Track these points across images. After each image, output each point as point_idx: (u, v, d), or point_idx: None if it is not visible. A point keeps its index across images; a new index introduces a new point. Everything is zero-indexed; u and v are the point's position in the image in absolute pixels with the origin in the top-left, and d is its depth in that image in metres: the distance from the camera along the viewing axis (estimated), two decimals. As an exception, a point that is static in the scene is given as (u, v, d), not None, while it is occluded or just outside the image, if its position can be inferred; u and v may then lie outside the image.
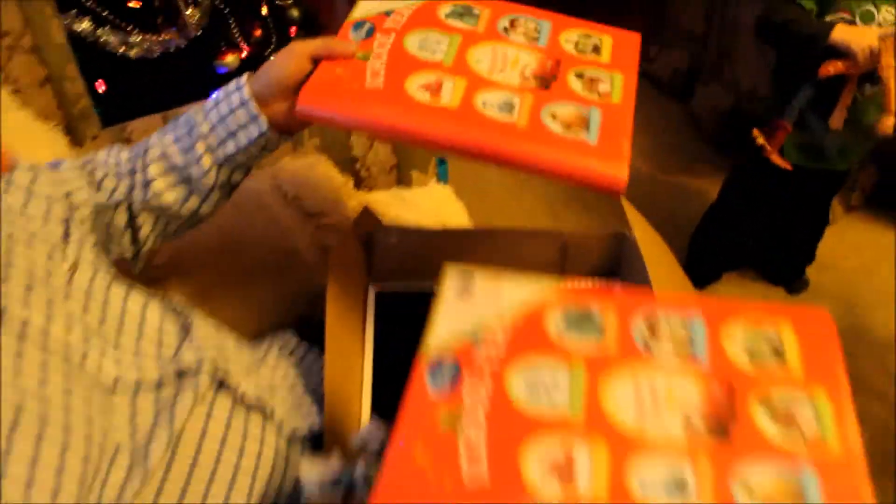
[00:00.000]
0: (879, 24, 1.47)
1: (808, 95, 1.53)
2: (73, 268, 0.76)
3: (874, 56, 1.40)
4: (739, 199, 1.81)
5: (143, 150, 0.89)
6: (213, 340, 0.82)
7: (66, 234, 0.79)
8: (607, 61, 0.93)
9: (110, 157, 0.90)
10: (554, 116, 0.86)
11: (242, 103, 0.86)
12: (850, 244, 2.07)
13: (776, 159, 1.59)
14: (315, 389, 0.91)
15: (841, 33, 1.42)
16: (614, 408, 0.66)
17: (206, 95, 0.96)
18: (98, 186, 0.88)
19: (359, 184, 1.40)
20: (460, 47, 0.95)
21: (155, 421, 0.72)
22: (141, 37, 1.67)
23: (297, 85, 0.85)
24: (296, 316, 1.11)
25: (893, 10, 1.46)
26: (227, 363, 0.80)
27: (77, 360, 0.69)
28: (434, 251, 1.00)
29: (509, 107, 0.88)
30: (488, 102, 0.87)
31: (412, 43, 0.95)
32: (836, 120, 1.52)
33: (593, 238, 1.12)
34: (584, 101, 0.88)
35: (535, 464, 0.62)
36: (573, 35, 0.97)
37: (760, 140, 1.59)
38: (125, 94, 1.61)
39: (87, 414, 0.67)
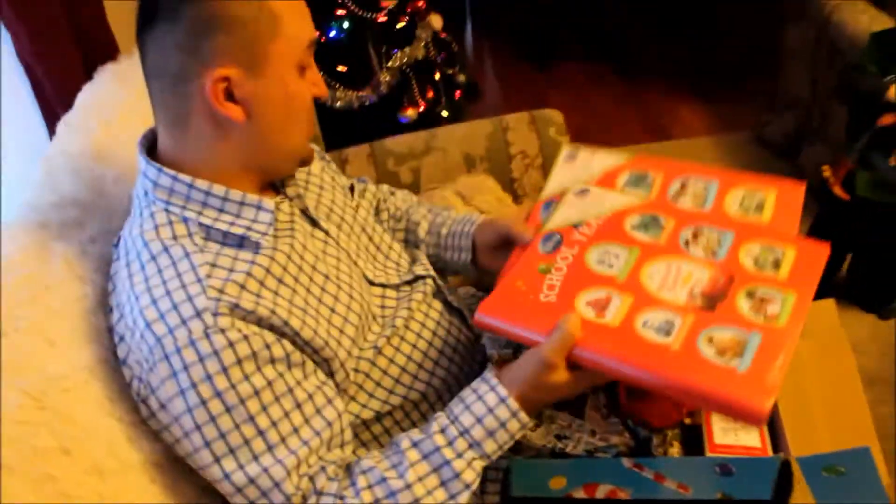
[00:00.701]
0: None
1: (868, 139, 1.81)
2: (356, 207, 1.20)
3: None
4: (825, 231, 2.11)
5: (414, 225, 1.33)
6: (432, 268, 1.23)
7: (352, 189, 1.23)
8: (784, 278, 0.91)
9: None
10: (710, 340, 0.85)
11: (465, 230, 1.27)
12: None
13: (837, 190, 1.88)
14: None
15: (894, 91, 1.72)
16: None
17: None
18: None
19: (516, 199, 1.80)
20: (637, 261, 0.97)
21: (397, 305, 1.12)
22: (346, 93, 2.15)
23: (489, 248, 1.23)
24: (469, 283, 1.51)
25: None
26: (440, 281, 1.20)
27: (353, 259, 1.11)
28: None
29: (669, 327, 0.88)
30: (649, 322, 0.89)
31: (592, 256, 1.00)
32: None
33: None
34: (747, 325, 0.87)
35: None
36: (755, 247, 0.95)
37: (826, 173, 1.89)
38: (333, 134, 2.07)
39: (360, 291, 1.07)
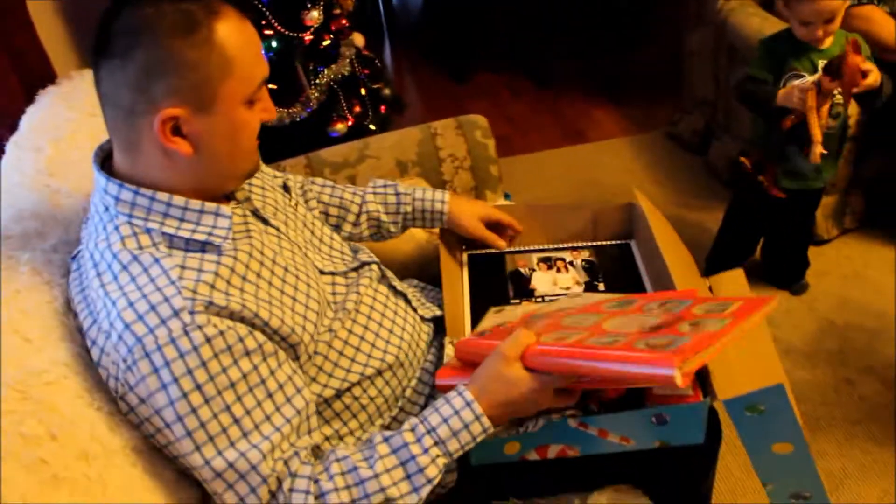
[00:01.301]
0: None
1: (781, 138, 1.95)
2: (295, 206, 1.27)
3: (804, 104, 1.79)
4: (741, 221, 2.27)
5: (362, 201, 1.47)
6: (374, 256, 1.31)
7: (287, 188, 1.30)
8: (726, 314, 0.98)
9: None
10: (646, 343, 0.93)
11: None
12: (844, 256, 2.47)
13: (774, 192, 2.03)
14: (434, 298, 1.39)
15: (780, 97, 1.84)
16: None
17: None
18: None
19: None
20: (603, 319, 1.08)
21: (347, 291, 1.20)
22: (277, 110, 2.21)
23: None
24: (411, 276, 1.59)
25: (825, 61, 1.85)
26: (384, 269, 1.29)
27: (304, 251, 1.19)
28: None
29: (614, 341, 0.97)
30: (598, 341, 0.99)
31: (566, 320, 1.11)
32: (815, 155, 1.85)
33: (614, 209, 1.58)
34: (681, 335, 0.94)
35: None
36: (709, 304, 1.03)
37: (760, 178, 2.03)
38: (267, 149, 2.12)
39: (315, 280, 1.15)
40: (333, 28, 2.27)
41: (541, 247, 1.58)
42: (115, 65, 0.96)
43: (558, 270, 1.51)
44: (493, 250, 1.55)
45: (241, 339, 0.97)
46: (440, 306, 1.36)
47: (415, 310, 1.30)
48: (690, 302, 1.06)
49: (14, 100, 1.46)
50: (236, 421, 0.96)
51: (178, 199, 1.03)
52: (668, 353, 0.87)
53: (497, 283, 1.49)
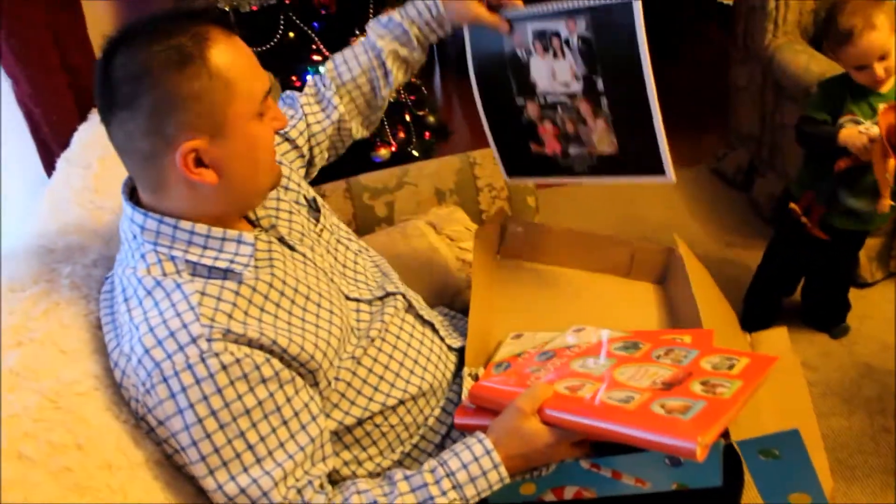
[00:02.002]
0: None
1: (833, 179, 1.93)
2: (320, 231, 1.29)
3: (869, 150, 1.77)
4: (781, 259, 2.24)
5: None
6: (401, 285, 1.33)
7: (314, 206, 1.32)
8: (736, 374, 1.01)
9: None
10: (662, 406, 0.96)
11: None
12: (887, 300, 2.42)
13: (816, 232, 2.01)
14: (462, 327, 1.40)
15: (844, 136, 1.82)
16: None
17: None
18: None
19: (484, 228, 1.91)
20: (613, 366, 1.10)
21: (371, 318, 1.22)
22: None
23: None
24: (442, 304, 1.61)
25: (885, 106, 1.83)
26: (411, 297, 1.30)
27: (330, 276, 1.21)
28: (543, 240, 1.52)
29: (629, 399, 1.00)
30: (612, 397, 1.01)
31: (576, 363, 1.14)
32: (883, 206, 1.85)
33: (655, 250, 1.58)
34: (696, 398, 0.97)
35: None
36: (715, 358, 1.06)
37: (804, 219, 2.02)
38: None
39: (339, 306, 1.17)
40: (381, 55, 2.30)
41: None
42: (123, 116, 0.99)
43: (555, 55, 1.35)
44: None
45: (257, 367, 1.00)
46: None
47: (442, 339, 1.31)
48: (697, 353, 1.06)
49: (68, 117, 1.51)
50: (250, 447, 0.99)
51: (201, 228, 1.06)
52: (688, 424, 0.90)
53: (499, 70, 1.41)
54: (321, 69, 1.47)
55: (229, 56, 1.01)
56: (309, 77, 1.49)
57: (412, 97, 2.56)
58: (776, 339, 1.38)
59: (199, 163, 1.01)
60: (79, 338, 1.05)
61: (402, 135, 2.43)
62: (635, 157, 1.39)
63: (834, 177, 1.92)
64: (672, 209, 2.98)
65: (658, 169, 1.37)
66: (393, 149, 2.38)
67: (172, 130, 0.98)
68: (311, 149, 1.42)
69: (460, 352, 1.33)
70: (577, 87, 1.35)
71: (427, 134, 2.59)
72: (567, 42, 1.33)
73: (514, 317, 1.43)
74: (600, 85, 1.33)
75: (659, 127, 1.34)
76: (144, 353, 0.98)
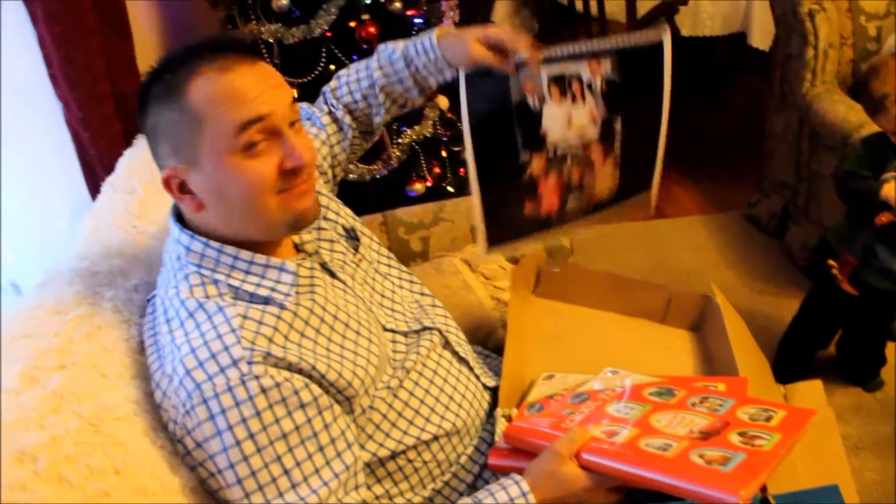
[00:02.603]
0: None
1: (871, 235, 1.92)
2: (359, 261, 1.29)
3: None
4: (818, 313, 2.21)
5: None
6: (440, 319, 1.33)
7: (353, 234, 1.32)
8: (774, 426, 1.00)
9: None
10: (701, 456, 0.96)
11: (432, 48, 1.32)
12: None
13: (846, 287, 2.00)
14: (497, 367, 1.40)
15: (886, 191, 1.81)
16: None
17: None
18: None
19: (518, 266, 1.91)
20: (648, 412, 1.10)
21: (407, 350, 1.22)
22: (358, 166, 2.27)
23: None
24: (475, 342, 1.60)
25: None
26: (448, 333, 1.30)
27: (369, 306, 1.21)
28: (579, 282, 1.52)
29: (666, 447, 0.99)
30: (650, 444, 1.01)
31: (611, 407, 1.13)
32: None
33: (691, 297, 1.58)
34: (735, 448, 0.97)
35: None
36: (751, 409, 1.05)
37: (834, 270, 2.00)
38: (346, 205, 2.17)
39: (377, 335, 1.17)
40: (419, 90, 2.32)
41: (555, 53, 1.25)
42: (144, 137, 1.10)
43: (573, 99, 1.27)
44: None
45: (296, 392, 1.00)
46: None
47: (477, 377, 1.30)
48: (732, 403, 1.06)
49: (115, 143, 1.54)
50: (286, 472, 0.99)
51: (245, 254, 1.08)
52: (729, 476, 0.89)
53: (502, 121, 1.25)
54: (330, 85, 1.46)
55: (206, 89, 1.03)
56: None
57: (448, 132, 2.57)
58: (811, 391, 1.37)
59: (186, 189, 1.06)
60: (119, 362, 1.06)
61: (437, 170, 2.44)
62: (629, 184, 1.38)
63: (873, 232, 1.90)
64: (704, 253, 2.96)
65: (645, 186, 1.36)
66: (428, 183, 2.38)
67: (159, 155, 1.08)
68: (332, 169, 1.44)
69: (493, 391, 1.33)
70: (593, 132, 1.30)
71: (462, 170, 2.60)
72: (589, 85, 1.27)
73: (548, 357, 1.42)
74: (618, 126, 1.30)
75: (662, 149, 1.34)
76: (185, 374, 0.99)
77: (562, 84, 1.25)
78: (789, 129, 2.74)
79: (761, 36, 3.47)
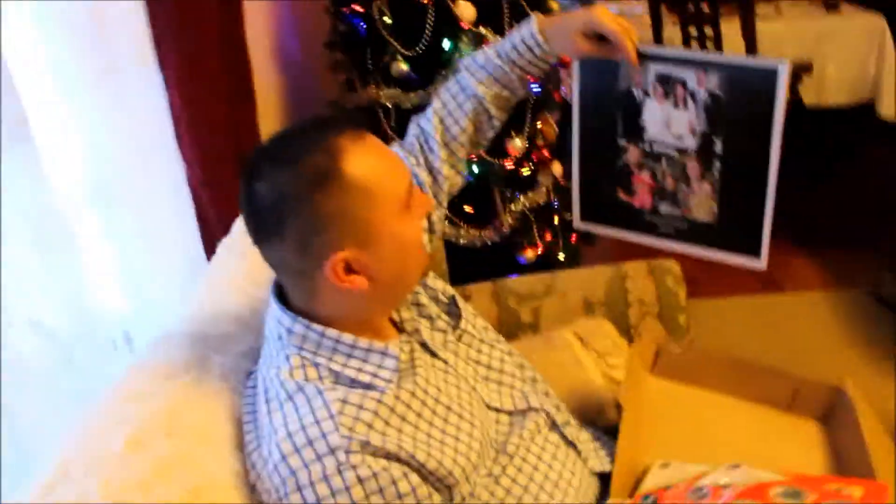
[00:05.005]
0: None
1: None
2: (460, 336, 1.25)
3: None
4: None
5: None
6: (550, 398, 1.27)
7: (455, 303, 1.28)
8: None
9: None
10: None
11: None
12: None
13: None
14: (610, 450, 1.33)
15: None
16: None
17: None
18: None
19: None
20: None
21: (510, 431, 1.17)
22: (469, 231, 2.26)
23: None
24: (584, 421, 1.53)
25: None
26: (555, 415, 1.24)
27: (472, 385, 1.17)
28: (699, 364, 1.44)
29: (796, 495, 1.02)
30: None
31: None
32: None
33: (820, 387, 1.46)
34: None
35: None
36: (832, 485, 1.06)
37: None
38: (456, 271, 2.15)
39: (480, 417, 1.13)
40: (535, 157, 2.30)
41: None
42: (274, 241, 1.02)
43: (675, 103, 1.27)
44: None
45: (394, 482, 0.97)
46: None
47: (584, 461, 1.23)
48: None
49: (234, 204, 1.56)
50: None
51: (347, 338, 1.05)
52: None
53: (607, 103, 1.32)
54: (421, 123, 1.35)
55: (364, 164, 1.01)
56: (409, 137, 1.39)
57: (560, 197, 2.53)
58: None
59: (350, 269, 1.02)
60: (224, 432, 1.04)
61: (548, 237, 2.40)
62: (733, 231, 1.30)
63: None
64: (826, 333, 2.79)
65: (753, 250, 1.28)
66: (539, 251, 2.35)
67: (322, 248, 1.00)
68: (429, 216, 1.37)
69: (601, 476, 1.26)
70: (691, 142, 1.27)
71: (574, 237, 2.55)
72: (693, 94, 1.25)
73: (664, 443, 1.33)
74: (718, 147, 1.25)
75: (770, 206, 1.24)
76: (281, 459, 0.97)
77: (666, 85, 1.26)
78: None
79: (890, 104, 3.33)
